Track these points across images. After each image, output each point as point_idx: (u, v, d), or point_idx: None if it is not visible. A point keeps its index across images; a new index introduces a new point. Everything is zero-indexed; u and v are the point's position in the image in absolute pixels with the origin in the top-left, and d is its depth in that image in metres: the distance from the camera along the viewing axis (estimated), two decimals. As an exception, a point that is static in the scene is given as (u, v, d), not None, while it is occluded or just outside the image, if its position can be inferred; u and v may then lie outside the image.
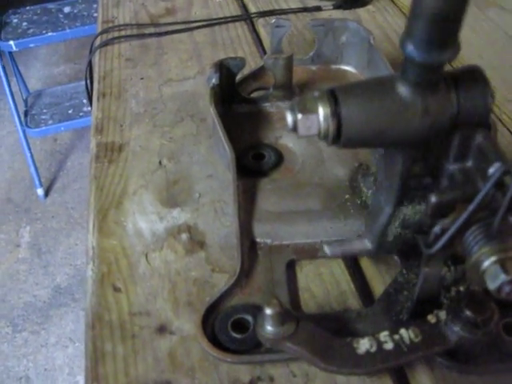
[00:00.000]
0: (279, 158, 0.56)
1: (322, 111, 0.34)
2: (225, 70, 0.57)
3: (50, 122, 2.25)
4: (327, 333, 0.39)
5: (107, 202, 0.55)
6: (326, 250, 0.45)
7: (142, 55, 0.76)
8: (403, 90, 0.34)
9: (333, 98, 0.34)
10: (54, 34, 2.19)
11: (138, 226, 0.52)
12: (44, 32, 2.19)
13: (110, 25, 0.83)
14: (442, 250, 0.37)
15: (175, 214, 0.53)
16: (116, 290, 0.47)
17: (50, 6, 2.35)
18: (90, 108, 2.28)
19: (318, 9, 0.86)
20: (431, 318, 0.40)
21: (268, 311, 0.37)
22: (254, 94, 0.64)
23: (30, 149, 2.23)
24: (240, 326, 0.42)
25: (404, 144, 0.36)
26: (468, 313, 0.38)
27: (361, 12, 0.86)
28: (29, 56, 2.99)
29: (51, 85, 2.51)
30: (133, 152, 0.60)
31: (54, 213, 2.31)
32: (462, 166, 0.38)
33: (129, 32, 0.81)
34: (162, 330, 0.44)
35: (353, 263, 0.49)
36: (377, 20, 0.84)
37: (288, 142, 0.58)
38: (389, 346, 0.39)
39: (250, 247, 0.48)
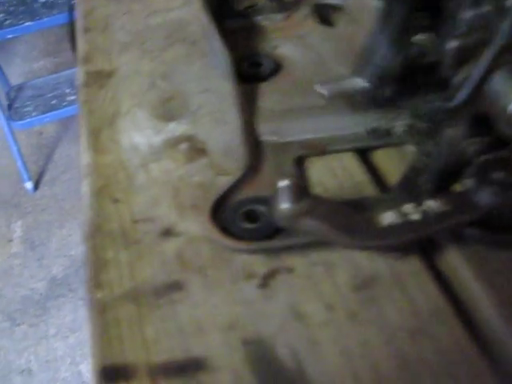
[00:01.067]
0: (277, 66, 0.53)
1: None
2: (215, -22, 0.54)
3: (34, 113, 2.22)
4: (347, 208, 0.37)
5: (100, 122, 0.52)
6: (320, 89, 0.42)
7: (124, -7, 0.73)
8: None
9: None
10: (32, 23, 2.15)
11: (134, 140, 0.49)
12: (21, 22, 2.15)
13: (89, -31, 0.79)
14: (466, 105, 0.34)
15: (172, 127, 0.50)
16: (115, 201, 0.44)
17: (26, -4, 2.31)
18: (73, 97, 2.24)
19: None
20: (458, 187, 0.37)
21: (283, 184, 0.34)
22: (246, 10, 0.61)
23: (16, 143, 2.19)
24: (252, 217, 0.39)
25: None
26: (499, 174, 0.35)
27: None
28: (8, 52, 2.94)
29: (32, 79, 2.47)
30: (123, 76, 0.57)
31: (45, 205, 2.28)
32: (478, 11, 0.35)
33: (109, -26, 0.78)
34: (168, 233, 0.41)
35: (366, 157, 0.46)
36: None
37: (285, 50, 0.55)
38: (415, 216, 0.36)
39: (254, 146, 0.45)
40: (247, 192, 0.41)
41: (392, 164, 0.46)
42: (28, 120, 2.17)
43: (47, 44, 2.99)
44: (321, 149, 0.45)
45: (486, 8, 0.35)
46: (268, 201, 0.39)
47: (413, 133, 0.45)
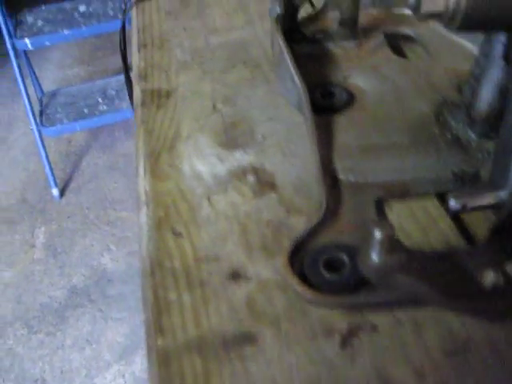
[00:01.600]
0: (351, 97, 0.49)
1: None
2: (287, 1, 0.51)
3: (66, 120, 2.21)
4: (443, 265, 0.33)
5: (159, 146, 0.49)
6: (452, 203, 0.37)
7: (182, 8, 0.70)
8: None
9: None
10: (70, 31, 2.15)
11: (196, 168, 0.46)
12: (59, 30, 2.15)
13: (145, -18, 0.77)
14: None
15: (238, 156, 0.47)
16: (176, 234, 0.41)
17: (66, 5, 2.32)
18: (105, 107, 2.24)
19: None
20: None
21: (377, 234, 0.31)
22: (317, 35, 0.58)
23: (44, 148, 2.18)
24: (333, 266, 0.36)
25: None
26: None
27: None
28: (42, 58, 2.96)
29: (65, 87, 2.48)
30: (182, 97, 0.54)
31: (70, 213, 2.27)
32: None
33: (166, -12, 0.75)
34: (236, 275, 0.38)
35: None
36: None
37: (358, 81, 0.52)
38: (520, 277, 0.32)
39: (331, 185, 0.41)
40: (325, 237, 0.38)
41: (478, 212, 0.42)
42: (59, 127, 2.16)
43: (82, 52, 3.00)
44: (402, 191, 0.41)
45: None
46: (351, 249, 0.36)
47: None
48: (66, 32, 2.14)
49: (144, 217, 0.43)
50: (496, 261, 0.35)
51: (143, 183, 0.45)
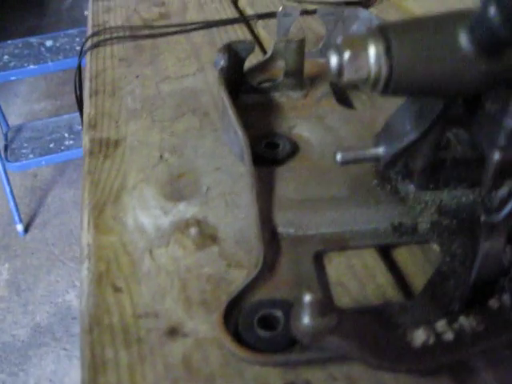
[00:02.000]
0: (295, 147, 0.50)
1: (373, 49, 0.29)
2: (233, 53, 0.52)
3: (31, 156, 2.19)
4: (373, 326, 0.33)
5: (103, 197, 0.49)
6: (338, 156, 0.39)
7: (136, 56, 0.71)
8: (466, 44, 0.29)
9: (384, 34, 0.29)
10: (36, 66, 2.16)
11: (140, 221, 0.46)
12: (26, 65, 2.15)
13: (101, 28, 0.78)
14: (506, 219, 0.32)
15: (181, 208, 0.47)
16: (116, 289, 0.41)
17: (32, 39, 2.33)
18: (71, 142, 2.23)
19: (320, 11, 0.82)
20: (493, 304, 0.34)
21: (307, 298, 0.31)
22: (263, 85, 0.59)
23: (9, 183, 2.16)
24: (268, 323, 0.36)
25: (459, 92, 0.31)
26: (540, 294, 0.32)
27: (365, 10, 0.82)
28: (9, 93, 2.95)
29: (32, 121, 2.46)
30: (130, 147, 0.54)
31: (34, 249, 2.24)
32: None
33: (121, 34, 0.76)
34: (174, 332, 0.38)
35: (387, 255, 0.43)
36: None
37: (303, 131, 0.53)
38: (448, 336, 0.33)
39: (271, 238, 0.42)
40: (262, 292, 0.38)
41: (416, 264, 0.42)
42: (24, 162, 2.14)
43: (49, 86, 3.00)
44: (341, 244, 0.42)
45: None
46: (287, 305, 0.36)
47: (438, 230, 0.43)
48: (32, 67, 2.14)
49: (85, 271, 0.43)
50: (428, 318, 0.36)
51: (86, 236, 0.45)
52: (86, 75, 0.68)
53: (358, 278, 0.41)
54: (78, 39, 2.29)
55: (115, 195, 0.49)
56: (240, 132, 0.46)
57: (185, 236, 0.45)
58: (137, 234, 0.45)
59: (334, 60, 0.29)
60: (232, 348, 0.34)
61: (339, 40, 0.30)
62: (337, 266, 0.42)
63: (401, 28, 0.30)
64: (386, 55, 0.29)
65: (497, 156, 0.31)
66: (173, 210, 0.47)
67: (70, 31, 2.36)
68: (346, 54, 0.29)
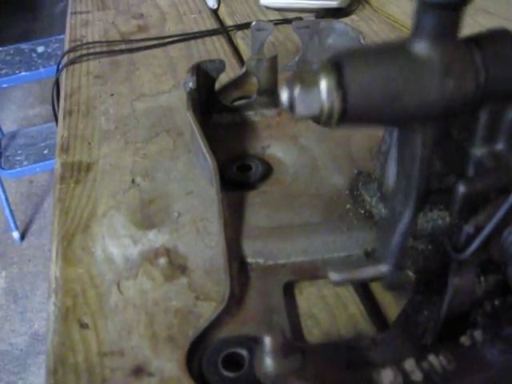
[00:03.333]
0: (268, 169, 0.49)
1: (324, 84, 0.27)
2: (202, 73, 0.51)
3: (25, 163, 2.18)
4: (340, 365, 0.32)
5: (73, 227, 0.48)
6: (332, 276, 0.36)
7: (112, 72, 0.70)
8: (417, 45, 0.28)
9: (335, 66, 0.28)
10: (28, 73, 2.14)
11: (109, 251, 0.45)
12: (17, 72, 2.14)
13: (78, 43, 0.77)
14: (475, 254, 0.31)
15: (151, 237, 0.46)
16: (82, 326, 0.40)
17: (23, 46, 2.31)
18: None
19: (299, 19, 0.80)
20: (465, 341, 0.33)
21: (268, 342, 0.30)
22: (236, 104, 0.58)
23: (4, 191, 2.15)
24: (233, 362, 0.35)
25: (422, 116, 0.29)
26: (510, 330, 0.31)
27: (344, 22, 0.81)
28: (3, 99, 2.93)
29: (27, 126, 2.45)
30: (102, 171, 0.53)
31: (31, 256, 2.22)
32: (490, 149, 0.31)
33: (98, 49, 0.75)
34: (139, 371, 0.37)
35: (359, 283, 0.42)
36: (362, 29, 0.79)
37: (277, 151, 0.52)
38: (417, 376, 0.31)
39: (239, 269, 0.41)
40: (228, 328, 0.37)
41: (389, 293, 0.41)
42: (18, 169, 2.13)
43: (44, 91, 2.98)
44: (312, 273, 0.41)
45: (499, 146, 0.31)
46: (253, 342, 0.35)
47: (413, 256, 0.42)
48: (23, 74, 2.13)
49: (52, 306, 0.42)
50: (399, 353, 0.34)
51: (54, 269, 0.44)
52: (61, 94, 0.67)
53: (329, 308, 0.40)
54: (69, 44, 2.27)
55: (85, 224, 0.48)
56: (209, 158, 0.45)
57: (154, 267, 0.43)
58: (105, 266, 0.44)
59: (284, 95, 0.28)
60: (194, 391, 0.33)
61: (290, 74, 0.29)
62: (308, 297, 0.41)
63: (353, 57, 0.28)
64: (337, 89, 0.27)
65: (462, 189, 0.29)
66: (142, 239, 0.46)
67: (62, 36, 2.34)
68: (297, 90, 0.28)
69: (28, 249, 2.26)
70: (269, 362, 0.31)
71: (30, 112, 2.91)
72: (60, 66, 0.74)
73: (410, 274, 0.41)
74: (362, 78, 0.28)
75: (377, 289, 0.42)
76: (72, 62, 0.72)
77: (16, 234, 2.25)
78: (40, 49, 2.30)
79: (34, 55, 2.24)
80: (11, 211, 2.21)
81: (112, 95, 0.65)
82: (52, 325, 0.40)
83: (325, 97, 0.27)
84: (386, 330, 0.38)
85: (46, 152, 2.23)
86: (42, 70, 2.15)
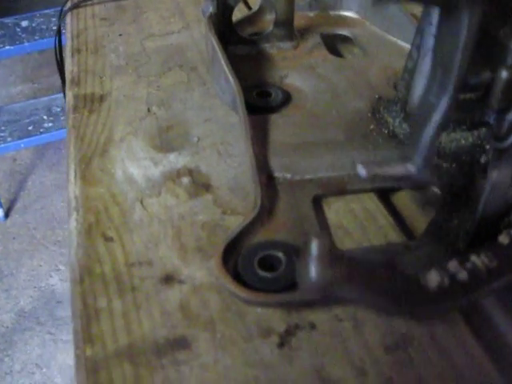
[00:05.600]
0: (287, 96, 0.49)
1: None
2: (221, 0, 0.50)
3: (9, 139, 2.14)
4: (385, 271, 0.32)
5: (90, 151, 0.47)
6: (360, 170, 0.36)
7: (118, 15, 0.69)
8: None
9: None
10: (12, 47, 2.10)
11: (129, 172, 0.44)
12: (1, 46, 2.10)
13: (80, -11, 0.75)
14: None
15: (172, 159, 0.45)
16: (107, 239, 0.39)
17: (7, 20, 2.27)
18: (50, 124, 2.19)
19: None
20: (503, 239, 0.33)
21: (314, 249, 0.29)
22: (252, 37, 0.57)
23: (-13, 167, 2.11)
24: (268, 265, 0.34)
25: None
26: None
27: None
28: (-15, 76, 2.88)
29: (9, 104, 2.41)
30: (116, 101, 0.52)
31: (16, 234, 2.19)
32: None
33: (101, -6, 0.73)
34: (169, 279, 0.36)
35: (387, 199, 0.42)
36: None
37: (295, 80, 0.51)
38: (463, 276, 0.31)
39: (267, 183, 0.40)
40: (261, 236, 0.36)
41: (416, 207, 0.41)
42: (2, 146, 2.09)
43: (26, 69, 2.93)
44: (339, 188, 0.41)
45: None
46: (287, 247, 0.35)
47: (438, 174, 0.41)
48: (7, 48, 2.09)
49: (74, 222, 0.41)
50: (433, 257, 0.34)
51: (73, 189, 0.43)
52: (67, 35, 0.66)
53: (358, 221, 0.40)
54: (54, 19, 2.23)
55: (102, 148, 0.47)
56: (231, 78, 0.44)
57: (177, 185, 0.43)
58: (126, 185, 0.43)
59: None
60: (232, 289, 0.33)
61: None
62: (336, 210, 0.40)
63: None
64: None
65: (504, 74, 0.29)
66: (163, 161, 0.45)
67: (46, 11, 2.30)
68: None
69: (12, 227, 2.23)
70: (313, 272, 0.29)
71: (13, 90, 2.86)
72: (62, 12, 0.72)
73: (436, 189, 0.41)
74: None
75: (403, 205, 0.42)
76: (76, 6, 0.70)
77: (0, 212, 2.22)
78: (24, 23, 2.26)
79: (18, 29, 2.20)
80: (-5, 189, 2.18)
81: (120, 35, 0.63)
82: (75, 239, 0.40)
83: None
84: (417, 238, 0.38)
85: (30, 128, 2.20)
86: (26, 44, 2.12)
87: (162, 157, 0.46)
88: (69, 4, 0.72)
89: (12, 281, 2.04)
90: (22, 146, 2.17)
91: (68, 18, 0.69)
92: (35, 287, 2.01)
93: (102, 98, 0.53)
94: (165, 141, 0.47)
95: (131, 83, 0.55)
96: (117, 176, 0.44)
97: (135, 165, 0.45)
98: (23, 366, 1.79)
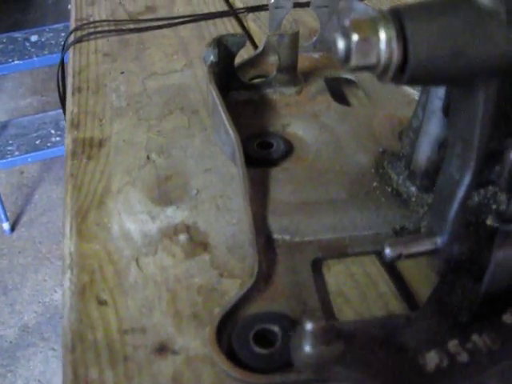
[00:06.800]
0: (289, 147, 0.48)
1: (384, 33, 0.26)
2: (223, 48, 0.49)
3: (17, 153, 2.15)
4: (381, 348, 0.31)
5: (87, 202, 0.46)
6: (387, 251, 0.34)
7: (121, 50, 0.68)
8: (493, 7, 0.26)
9: (396, 16, 0.27)
10: (21, 62, 2.11)
11: (126, 227, 0.43)
12: (10, 60, 2.11)
13: (85, 21, 0.75)
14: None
15: (170, 213, 0.44)
16: (101, 302, 0.38)
17: (17, 34, 2.28)
18: (58, 138, 2.19)
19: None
20: (507, 318, 0.32)
21: (308, 326, 0.28)
22: (255, 81, 0.56)
23: (-6, 181, 2.11)
24: (264, 339, 0.33)
25: (488, 71, 0.28)
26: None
27: (361, 2, 0.79)
28: (-6, 88, 2.89)
29: (18, 117, 2.42)
30: (115, 147, 0.51)
31: (21, 248, 2.19)
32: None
33: (106, 28, 0.73)
34: (163, 349, 0.35)
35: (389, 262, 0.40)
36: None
37: (297, 129, 0.50)
38: (463, 357, 0.30)
39: (266, 245, 0.39)
40: (258, 305, 0.35)
41: (419, 272, 0.40)
42: (10, 159, 2.10)
43: (35, 82, 2.95)
44: (340, 251, 0.40)
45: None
46: (284, 319, 0.34)
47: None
48: (16, 62, 2.10)
49: (67, 282, 0.40)
50: (435, 335, 0.33)
51: (69, 244, 0.42)
52: (69, 71, 0.65)
53: (359, 287, 0.38)
54: (63, 34, 2.24)
55: (99, 200, 0.46)
56: (231, 131, 0.43)
57: (173, 243, 0.42)
58: (122, 242, 0.42)
59: (340, 44, 0.27)
60: (226, 367, 0.31)
61: (347, 23, 0.27)
62: (336, 275, 0.39)
63: (414, 9, 0.27)
64: (398, 39, 0.26)
65: (512, 155, 0.28)
66: (160, 215, 0.44)
67: (56, 26, 2.31)
68: (355, 38, 0.26)
69: (18, 240, 2.23)
70: (307, 349, 0.29)
71: (22, 103, 2.87)
72: (65, 45, 0.72)
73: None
74: (424, 29, 0.26)
75: (405, 268, 0.40)
76: (79, 41, 0.70)
77: (6, 226, 2.22)
78: (33, 38, 2.27)
79: (28, 44, 2.22)
80: (1, 202, 2.18)
81: (122, 73, 0.63)
82: (68, 301, 0.39)
83: (384, 46, 0.26)
84: (418, 309, 0.37)
85: (37, 142, 2.21)
86: (35, 59, 2.13)
87: (160, 211, 0.45)
88: (72, 37, 0.72)
89: (16, 295, 2.04)
90: (29, 160, 2.18)
91: (71, 53, 0.69)
92: (39, 302, 2.01)
93: (101, 143, 0.52)
94: (163, 192, 0.46)
95: (131, 127, 0.54)
96: (113, 231, 0.43)
97: (132, 219, 0.44)
98: (25, 382, 1.78)
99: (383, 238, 0.40)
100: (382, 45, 0.26)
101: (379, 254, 0.40)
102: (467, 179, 0.30)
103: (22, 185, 2.44)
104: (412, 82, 0.28)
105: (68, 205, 0.46)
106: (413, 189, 0.42)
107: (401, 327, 0.35)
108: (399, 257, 0.32)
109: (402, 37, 0.26)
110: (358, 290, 0.38)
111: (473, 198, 0.41)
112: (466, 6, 0.27)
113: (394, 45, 0.26)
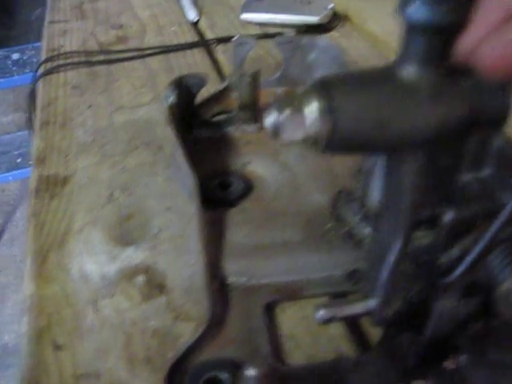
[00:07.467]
0: (248, 186, 0.49)
1: (312, 108, 0.27)
2: (183, 88, 0.50)
3: (-2, 171, 2.14)
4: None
5: (48, 242, 0.46)
6: (320, 314, 0.34)
7: (90, 83, 0.69)
8: (404, 71, 0.27)
9: (323, 91, 0.27)
10: (2, 80, 2.11)
11: (85, 268, 0.44)
12: (-9, 79, 2.10)
13: (56, 53, 0.75)
14: (459, 278, 0.30)
15: (130, 253, 0.45)
16: (57, 347, 0.39)
17: (-2, 53, 2.28)
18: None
19: (280, 35, 0.80)
20: (449, 365, 0.33)
21: (251, 372, 0.29)
22: (216, 118, 0.57)
23: (-26, 200, 2.10)
24: (213, 385, 0.34)
25: (412, 143, 0.29)
26: (495, 354, 0.31)
27: (325, 38, 0.81)
28: (-25, 105, 2.88)
29: (-1, 134, 2.41)
30: (79, 184, 0.52)
31: (2, 266, 2.18)
32: (477, 175, 0.31)
33: (76, 59, 0.74)
34: (115, 395, 0.36)
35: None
36: (343, 45, 0.79)
37: (257, 168, 0.51)
38: (404, 403, 0.31)
39: (220, 288, 0.40)
40: (209, 351, 0.36)
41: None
42: (-10, 178, 2.09)
43: (18, 99, 2.93)
44: (294, 293, 0.40)
45: (486, 172, 0.31)
46: (235, 365, 0.34)
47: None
48: (-3, 80, 2.10)
49: (25, 326, 0.40)
50: (381, 380, 0.34)
51: (29, 286, 0.43)
52: (38, 104, 0.66)
53: (310, 330, 0.39)
54: (45, 51, 2.24)
55: (61, 239, 0.47)
56: (190, 175, 0.44)
57: (131, 285, 0.42)
58: (81, 284, 0.43)
59: (270, 118, 0.27)
60: (173, 417, 0.32)
61: (276, 98, 0.28)
62: (290, 317, 0.40)
63: (341, 82, 0.28)
64: (325, 114, 0.27)
65: (449, 216, 0.29)
66: (120, 256, 0.45)
67: (38, 44, 2.31)
68: (285, 113, 0.27)
69: (-1, 259, 2.21)
70: None
71: (3, 119, 2.86)
72: (36, 76, 0.72)
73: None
74: (351, 103, 0.27)
75: (358, 309, 0.41)
76: (49, 72, 0.71)
77: (-14, 244, 2.20)
78: (15, 56, 2.27)
79: (9, 62, 2.22)
80: (-19, 220, 2.17)
81: (90, 106, 0.63)
82: (25, 347, 0.39)
83: (312, 121, 0.27)
84: (368, 352, 0.37)
85: (19, 161, 2.20)
86: (16, 77, 2.13)
87: (120, 250, 0.45)
88: (42, 69, 0.72)
89: (-4, 315, 2.02)
90: (10, 178, 2.17)
91: (40, 85, 0.69)
92: (20, 322, 1.98)
93: (65, 180, 0.53)
94: (125, 231, 0.47)
95: (96, 164, 0.55)
96: (73, 272, 0.44)
97: (92, 260, 0.45)
98: (5, 405, 1.76)
99: (336, 280, 0.41)
100: (311, 120, 0.27)
101: (332, 296, 0.41)
102: (398, 245, 0.31)
103: (3, 203, 2.43)
104: (342, 151, 0.29)
105: (30, 245, 0.46)
106: (367, 230, 0.43)
107: (350, 371, 0.35)
108: (332, 319, 0.33)
109: (331, 111, 0.27)
110: (310, 334, 0.39)
111: (428, 237, 0.42)
112: (390, 81, 0.28)
113: (322, 119, 0.27)
